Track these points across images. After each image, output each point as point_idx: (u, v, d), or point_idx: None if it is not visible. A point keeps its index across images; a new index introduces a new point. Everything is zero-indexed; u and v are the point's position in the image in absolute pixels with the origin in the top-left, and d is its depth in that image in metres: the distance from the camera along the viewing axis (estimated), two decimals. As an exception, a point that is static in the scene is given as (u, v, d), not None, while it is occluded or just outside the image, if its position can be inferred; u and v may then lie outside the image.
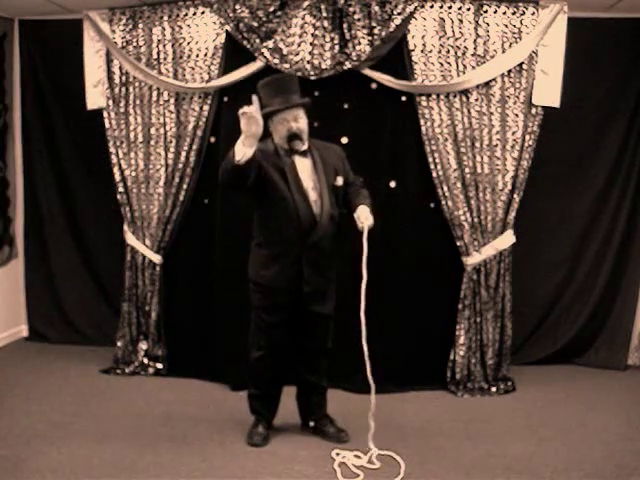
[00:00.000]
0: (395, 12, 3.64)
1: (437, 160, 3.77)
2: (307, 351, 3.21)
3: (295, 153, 3.03)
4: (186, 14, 3.86)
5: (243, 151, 2.72)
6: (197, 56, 3.86)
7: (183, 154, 3.95)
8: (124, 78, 4.03)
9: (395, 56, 3.70)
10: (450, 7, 3.67)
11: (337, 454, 3.06)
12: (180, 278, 4.17)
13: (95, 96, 4.09)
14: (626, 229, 4.29)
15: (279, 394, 3.30)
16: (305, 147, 3.06)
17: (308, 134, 3.06)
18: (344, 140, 3.75)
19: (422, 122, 3.75)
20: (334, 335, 3.24)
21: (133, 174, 4.09)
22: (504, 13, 3.69)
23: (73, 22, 4.13)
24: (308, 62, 3.69)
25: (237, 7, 3.72)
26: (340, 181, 3.11)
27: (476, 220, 3.85)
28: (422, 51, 3.70)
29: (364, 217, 2.96)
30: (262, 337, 3.14)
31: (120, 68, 4.02)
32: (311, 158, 3.06)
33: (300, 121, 3.01)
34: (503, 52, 3.71)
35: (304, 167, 3.03)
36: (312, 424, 3.31)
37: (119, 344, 4.23)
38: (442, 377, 3.94)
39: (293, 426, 3.37)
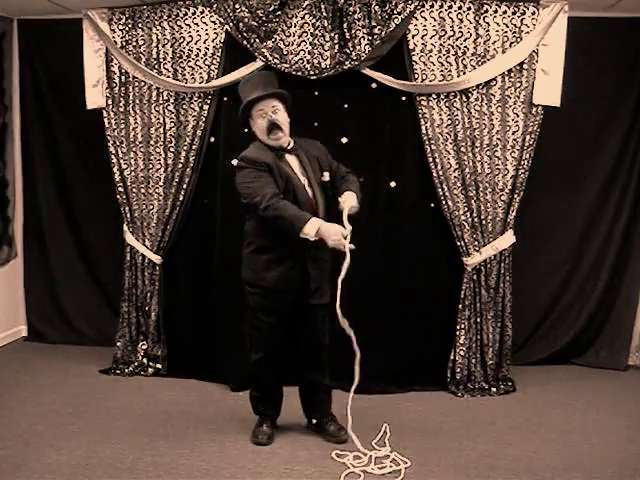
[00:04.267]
0: (395, 12, 3.63)
1: (437, 160, 3.77)
2: (306, 347, 3.21)
3: (284, 151, 3.03)
4: (186, 14, 3.85)
5: (312, 234, 2.79)
6: (197, 56, 3.85)
7: (183, 154, 3.94)
8: (124, 78, 4.02)
9: (395, 56, 3.69)
10: (450, 7, 3.66)
11: (337, 455, 3.06)
12: (180, 278, 4.16)
13: (95, 96, 4.08)
14: (626, 229, 4.28)
15: (281, 393, 3.31)
16: (291, 144, 3.06)
17: (290, 130, 3.05)
18: (344, 140, 3.74)
19: (422, 122, 3.74)
20: (331, 332, 3.22)
21: (133, 174, 4.09)
22: (504, 13, 3.68)
23: (73, 22, 4.12)
24: (308, 62, 3.69)
25: (237, 7, 3.71)
26: (327, 176, 3.12)
27: (476, 220, 3.84)
28: (422, 51, 3.69)
29: (348, 200, 2.98)
30: (262, 339, 3.13)
31: (120, 68, 4.01)
32: (298, 156, 3.07)
33: (279, 113, 3.00)
34: (503, 52, 3.70)
35: (295, 165, 3.05)
36: (314, 421, 3.31)
37: (119, 344, 4.22)
38: (442, 377, 3.93)
39: (293, 426, 3.36)
